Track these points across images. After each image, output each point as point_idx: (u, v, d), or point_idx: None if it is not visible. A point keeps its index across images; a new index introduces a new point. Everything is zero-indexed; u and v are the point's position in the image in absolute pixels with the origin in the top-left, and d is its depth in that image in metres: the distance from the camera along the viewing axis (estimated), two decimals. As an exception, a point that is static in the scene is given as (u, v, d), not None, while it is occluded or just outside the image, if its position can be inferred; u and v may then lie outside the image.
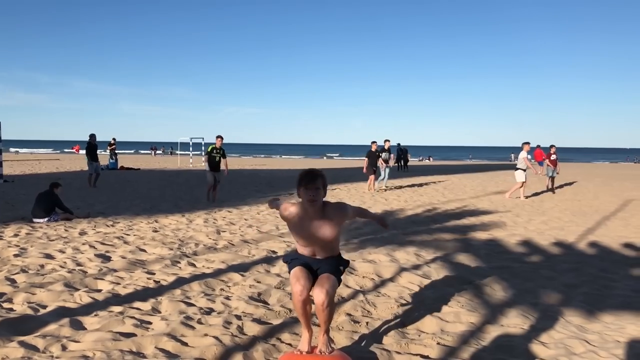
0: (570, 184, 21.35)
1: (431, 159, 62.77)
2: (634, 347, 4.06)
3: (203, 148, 40.06)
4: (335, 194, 16.98)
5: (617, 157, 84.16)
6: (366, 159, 18.06)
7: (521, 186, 15.97)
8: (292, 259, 3.81)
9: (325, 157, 73.78)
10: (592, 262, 7.19)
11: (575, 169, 36.58)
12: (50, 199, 10.12)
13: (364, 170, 18.25)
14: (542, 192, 18.49)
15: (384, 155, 18.36)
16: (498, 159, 69.77)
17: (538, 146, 30.34)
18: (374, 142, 18.16)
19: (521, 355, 3.91)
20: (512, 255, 7.57)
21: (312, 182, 3.40)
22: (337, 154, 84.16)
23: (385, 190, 18.38)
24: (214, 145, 14.25)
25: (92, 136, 18.13)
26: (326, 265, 3.67)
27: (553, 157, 19.52)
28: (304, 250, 3.72)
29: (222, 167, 14.28)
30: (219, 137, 14.28)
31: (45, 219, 9.89)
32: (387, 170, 18.61)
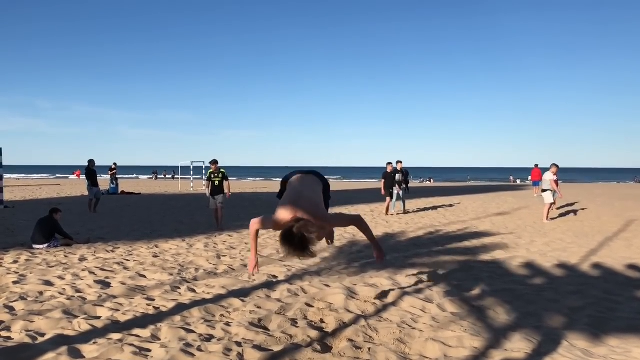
0: (571, 204, 21.29)
1: (432, 180, 62.80)
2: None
3: (204, 172, 40.17)
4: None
5: (624, 177, 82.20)
6: (383, 180, 17.62)
7: (549, 207, 15.93)
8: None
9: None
10: (595, 284, 7.13)
11: (577, 190, 36.53)
12: (50, 225, 10.10)
13: (382, 192, 17.69)
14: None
15: (397, 177, 17.70)
16: (497, 179, 69.92)
17: (536, 165, 30.46)
18: (389, 163, 17.59)
19: (526, 381, 3.85)
20: (515, 278, 7.52)
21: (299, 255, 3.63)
22: (338, 177, 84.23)
23: (404, 213, 17.87)
24: (211, 170, 14.11)
25: (91, 161, 18.20)
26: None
27: (554, 177, 19.54)
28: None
29: (225, 190, 14.02)
30: (212, 162, 14.03)
31: (45, 245, 9.86)
32: (401, 193, 17.94)
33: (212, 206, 13.94)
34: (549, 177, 16.02)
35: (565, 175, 25.87)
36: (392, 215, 17.37)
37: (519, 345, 4.60)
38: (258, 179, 73.26)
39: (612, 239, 11.81)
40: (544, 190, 16.13)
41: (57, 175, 75.17)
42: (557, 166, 16.13)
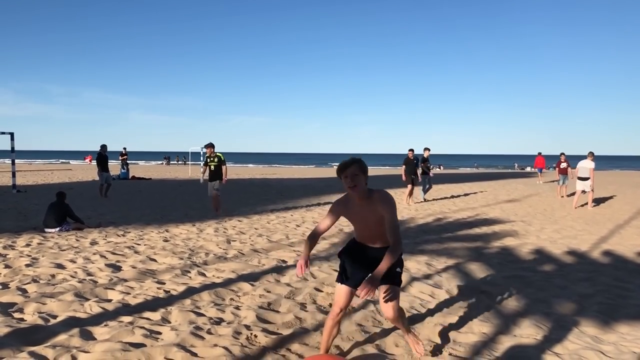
0: (583, 192, 21.13)
1: (441, 167, 62.56)
2: (651, 358, 3.98)
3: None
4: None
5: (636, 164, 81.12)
6: (404, 166, 17.09)
7: (578, 194, 15.97)
8: (343, 253, 3.88)
9: (334, 166, 73.74)
10: (606, 271, 7.09)
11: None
12: (61, 209, 10.18)
13: (403, 178, 17.12)
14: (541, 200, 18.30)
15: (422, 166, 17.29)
16: (502, 166, 69.55)
17: (539, 153, 30.43)
18: (410, 150, 17.05)
19: (535, 367, 3.85)
20: (525, 265, 7.49)
21: (343, 170, 3.49)
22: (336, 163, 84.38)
23: (424, 201, 17.50)
24: (207, 155, 13.55)
25: (103, 147, 18.27)
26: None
27: (563, 165, 19.45)
28: (359, 237, 3.81)
29: (223, 175, 13.38)
30: (208, 145, 13.44)
31: (57, 229, 9.94)
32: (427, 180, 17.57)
33: (210, 192, 13.53)
34: (589, 165, 15.63)
35: (575, 162, 25.70)
36: (411, 204, 16.78)
37: (528, 331, 4.60)
38: (267, 165, 73.32)
39: (623, 226, 11.72)
40: (581, 178, 15.81)
41: (70, 161, 75.63)
42: (593, 154, 15.83)
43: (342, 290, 3.75)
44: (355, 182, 3.47)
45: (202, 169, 13.51)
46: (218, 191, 13.42)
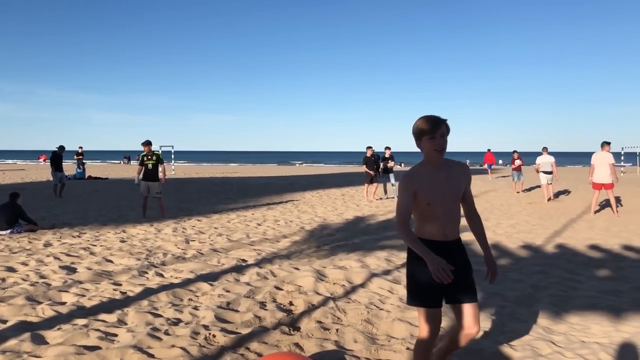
0: (538, 187, 21.71)
1: (402, 164, 63.20)
2: (598, 347, 4.12)
3: (173, 156, 39.66)
4: (307, 200, 16.97)
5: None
6: (364, 164, 17.25)
7: (545, 187, 16.84)
8: (417, 267, 3.10)
9: (298, 165, 73.76)
10: (558, 264, 7.31)
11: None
12: (12, 210, 9.87)
13: (372, 173, 17.28)
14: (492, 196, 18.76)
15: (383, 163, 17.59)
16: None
17: (488, 150, 31.68)
18: (369, 147, 17.25)
19: (489, 358, 3.93)
20: (481, 259, 7.60)
21: (437, 128, 2.98)
22: (300, 162, 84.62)
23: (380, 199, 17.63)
24: (144, 153, 12.67)
25: (61, 147, 17.94)
26: (465, 277, 3.16)
27: (517, 162, 20.04)
28: (433, 229, 3.15)
29: (161, 175, 12.79)
30: (145, 143, 12.62)
31: (8, 231, 9.63)
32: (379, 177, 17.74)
33: (143, 192, 12.53)
34: (550, 159, 16.74)
35: (529, 159, 26.34)
36: (372, 200, 17.01)
37: (483, 324, 4.69)
38: (229, 164, 72.73)
39: (575, 220, 12.11)
40: (545, 172, 16.76)
41: (16, 162, 73.34)
42: (547, 149, 17.24)
43: (436, 314, 3.11)
44: (444, 145, 3.02)
45: (137, 169, 12.63)
46: (159, 194, 12.66)
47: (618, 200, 15.82)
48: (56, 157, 17.62)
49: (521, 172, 20.12)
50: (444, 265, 2.85)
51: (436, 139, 2.98)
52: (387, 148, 17.80)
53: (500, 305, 5.31)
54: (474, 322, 3.08)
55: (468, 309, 3.09)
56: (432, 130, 2.98)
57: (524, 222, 11.72)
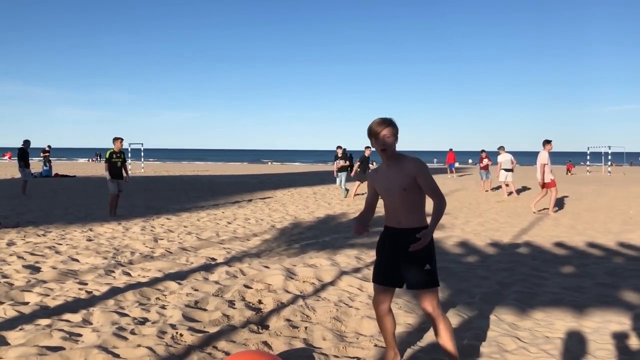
0: (506, 185, 22.08)
1: (374, 163, 63.54)
2: (562, 342, 4.22)
3: (142, 153, 39.12)
4: (279, 198, 16.93)
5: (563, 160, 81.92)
6: (360, 163, 17.34)
7: (504, 185, 18.30)
8: (377, 246, 3.70)
9: (270, 163, 73.54)
10: (525, 261, 7.44)
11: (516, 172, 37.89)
12: (-25, 209, 9.60)
13: (352, 174, 17.89)
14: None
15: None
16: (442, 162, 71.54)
17: (450, 149, 32.52)
18: (367, 148, 17.20)
19: (456, 354, 3.98)
20: (449, 257, 7.74)
21: (378, 130, 3.34)
22: (270, 160, 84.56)
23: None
24: (112, 150, 12.30)
25: (27, 142, 17.41)
26: (407, 264, 3.45)
27: (485, 161, 20.46)
28: (389, 217, 3.59)
29: (124, 173, 12.49)
30: (117, 139, 12.33)
31: (-30, 230, 9.36)
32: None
33: (113, 190, 12.26)
34: (510, 157, 18.08)
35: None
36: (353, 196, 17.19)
37: (451, 321, 4.75)
38: (199, 162, 72.09)
39: (542, 218, 12.35)
40: (506, 169, 18.07)
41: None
42: (504, 147, 18.62)
43: (377, 289, 3.62)
44: (386, 145, 3.36)
45: (105, 166, 12.27)
46: (122, 191, 12.56)
47: (583, 198, 16.23)
48: (24, 153, 17.17)
49: (489, 170, 20.49)
50: (355, 223, 3.60)
51: (379, 140, 3.35)
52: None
53: (467, 302, 5.38)
54: (428, 306, 3.43)
55: (421, 294, 3.48)
56: (373, 132, 3.38)
57: (492, 220, 11.91)
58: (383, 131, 3.34)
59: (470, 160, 65.92)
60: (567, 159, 48.02)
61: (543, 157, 12.94)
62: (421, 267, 3.41)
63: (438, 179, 28.68)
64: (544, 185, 13.09)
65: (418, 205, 3.49)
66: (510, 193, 17.87)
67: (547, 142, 13.11)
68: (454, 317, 4.82)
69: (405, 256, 3.42)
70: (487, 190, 20.10)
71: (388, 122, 3.37)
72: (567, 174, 37.48)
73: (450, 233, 9.95)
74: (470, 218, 12.29)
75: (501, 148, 18.79)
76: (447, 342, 3.47)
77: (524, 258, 7.68)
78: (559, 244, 8.79)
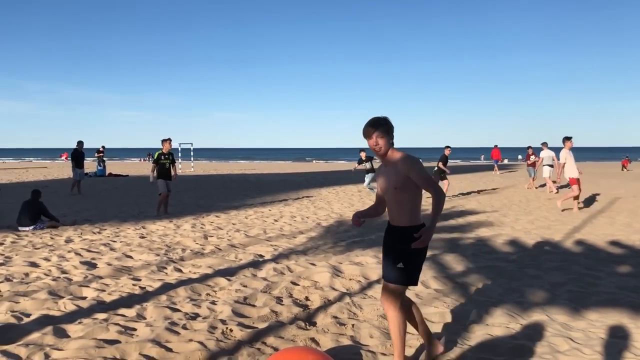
0: (556, 182, 21.48)
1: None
2: (617, 344, 4.09)
3: (192, 153, 39.95)
4: (324, 196, 17.00)
5: (613, 156, 79.53)
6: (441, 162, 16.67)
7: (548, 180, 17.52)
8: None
9: (314, 161, 73.83)
10: (577, 260, 7.23)
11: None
12: (36, 207, 10.05)
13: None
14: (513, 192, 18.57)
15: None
16: (468, 159, 70.00)
17: (495, 146, 31.70)
18: (447, 147, 16.66)
19: (505, 354, 3.92)
20: (499, 255, 7.61)
21: (370, 132, 3.45)
22: (314, 158, 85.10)
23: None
24: (161, 151, 12.43)
25: (80, 143, 18.05)
26: (393, 255, 3.53)
27: (532, 158, 19.95)
28: (388, 213, 3.65)
29: (172, 173, 12.60)
30: (166, 140, 12.47)
31: (31, 227, 9.81)
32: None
33: (163, 189, 12.34)
34: (551, 153, 17.78)
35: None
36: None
37: (500, 320, 4.69)
38: (246, 161, 73.05)
39: (595, 216, 11.95)
40: (549, 166, 17.79)
41: (32, 159, 74.41)
42: (546, 144, 18.29)
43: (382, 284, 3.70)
44: (378, 145, 3.45)
45: (152, 167, 12.45)
46: (171, 191, 12.73)
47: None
48: (77, 154, 17.86)
49: (535, 168, 19.89)
50: (354, 216, 3.63)
51: (372, 140, 3.46)
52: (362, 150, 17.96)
53: (517, 301, 5.28)
54: (383, 297, 3.56)
55: (384, 284, 3.61)
56: (365, 135, 3.49)
57: (543, 218, 11.61)
58: (373, 134, 3.44)
59: (519, 157, 64.35)
60: (624, 154, 46.11)
61: (562, 155, 12.61)
62: (394, 264, 3.50)
63: (484, 176, 28.12)
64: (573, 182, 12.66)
65: (409, 205, 3.50)
66: (550, 191, 17.08)
67: (566, 139, 12.69)
68: (503, 317, 4.74)
69: (388, 250, 3.59)
70: (529, 188, 19.54)
71: (377, 124, 3.45)
72: (622, 169, 36.01)
73: (499, 231, 9.77)
74: (520, 216, 12.02)
75: (544, 144, 18.46)
76: (393, 336, 3.55)
77: (577, 257, 7.47)
78: (615, 243, 8.50)
